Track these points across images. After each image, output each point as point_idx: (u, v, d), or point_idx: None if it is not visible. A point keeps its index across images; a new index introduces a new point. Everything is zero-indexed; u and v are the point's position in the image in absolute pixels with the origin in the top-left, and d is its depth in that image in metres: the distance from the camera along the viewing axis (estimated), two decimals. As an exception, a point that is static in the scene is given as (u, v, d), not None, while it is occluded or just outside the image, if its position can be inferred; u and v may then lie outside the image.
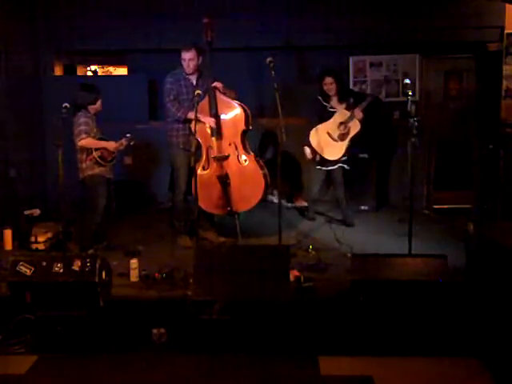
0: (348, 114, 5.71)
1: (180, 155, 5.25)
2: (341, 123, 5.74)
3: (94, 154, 4.96)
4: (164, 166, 6.62)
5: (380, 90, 6.86)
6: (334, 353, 3.61)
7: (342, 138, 5.74)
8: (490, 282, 3.90)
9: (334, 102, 5.85)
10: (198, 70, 5.23)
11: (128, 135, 5.18)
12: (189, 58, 5.13)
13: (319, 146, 5.81)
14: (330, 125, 5.78)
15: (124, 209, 6.02)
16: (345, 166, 5.86)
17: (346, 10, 6.55)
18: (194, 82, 5.24)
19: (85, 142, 4.92)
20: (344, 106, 5.80)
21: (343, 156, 5.81)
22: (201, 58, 5.16)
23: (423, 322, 3.66)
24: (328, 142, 5.79)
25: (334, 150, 5.78)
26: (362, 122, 5.69)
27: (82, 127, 4.92)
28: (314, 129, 5.82)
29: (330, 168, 5.86)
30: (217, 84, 5.11)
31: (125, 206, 6.06)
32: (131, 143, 5.21)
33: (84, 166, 5.02)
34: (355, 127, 5.71)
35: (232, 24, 6.31)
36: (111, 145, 5.04)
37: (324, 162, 5.86)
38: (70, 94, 5.15)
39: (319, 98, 5.87)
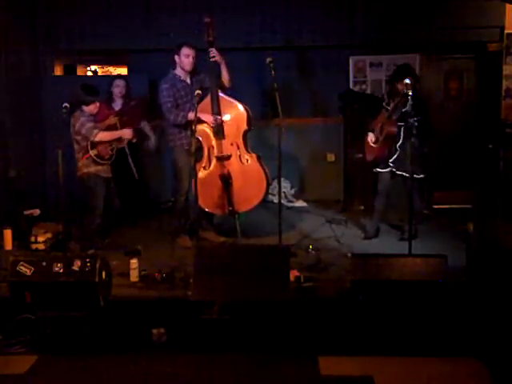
0: (386, 115, 5.21)
1: (183, 156, 5.24)
2: (382, 124, 5.25)
3: (91, 152, 4.95)
4: (164, 166, 6.65)
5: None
6: (334, 353, 3.61)
7: (376, 140, 5.31)
8: (490, 281, 3.90)
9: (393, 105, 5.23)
10: (193, 69, 5.24)
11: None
12: (193, 54, 5.14)
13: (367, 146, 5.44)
14: (374, 124, 5.35)
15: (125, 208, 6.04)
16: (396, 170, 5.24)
17: (345, 9, 6.56)
18: (189, 82, 5.25)
19: (101, 135, 4.93)
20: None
21: (392, 163, 5.27)
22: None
23: (423, 322, 3.66)
24: (368, 141, 5.41)
25: (370, 151, 5.40)
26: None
27: (89, 124, 4.92)
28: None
29: (379, 170, 5.39)
30: (212, 50, 5.06)
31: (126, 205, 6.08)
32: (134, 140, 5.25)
33: (80, 163, 5.03)
34: (386, 130, 5.17)
35: (232, 24, 6.31)
36: (126, 133, 5.07)
37: (377, 164, 5.40)
38: (70, 93, 5.16)
39: (385, 96, 5.37)
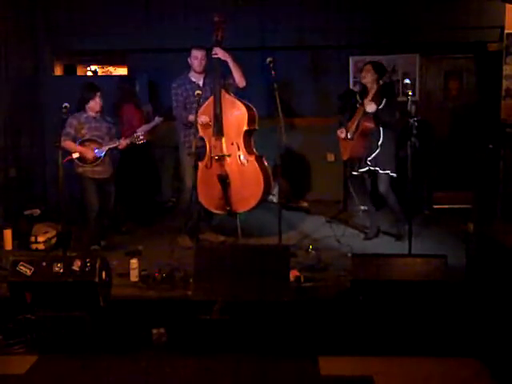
0: (362, 110, 5.10)
1: (186, 155, 5.26)
2: (358, 121, 5.15)
3: (73, 155, 5.10)
4: (166, 166, 6.65)
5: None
6: (334, 353, 3.60)
7: (352, 136, 5.19)
8: (490, 281, 3.90)
9: (367, 100, 5.13)
10: (205, 71, 5.26)
11: (139, 133, 5.27)
12: (201, 56, 5.17)
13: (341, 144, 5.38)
14: (350, 122, 5.26)
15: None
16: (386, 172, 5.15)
17: (345, 10, 6.57)
18: (201, 83, 5.26)
19: (63, 144, 4.99)
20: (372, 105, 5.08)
21: (369, 161, 5.18)
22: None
23: (423, 322, 3.66)
24: (343, 139, 5.32)
25: (345, 149, 5.37)
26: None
27: (65, 129, 5.07)
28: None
29: (361, 171, 5.29)
30: (214, 49, 5.05)
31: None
32: (138, 142, 5.25)
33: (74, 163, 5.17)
34: (363, 123, 5.08)
35: (233, 24, 6.30)
36: (89, 154, 5.11)
37: (354, 164, 5.35)
38: (70, 93, 5.18)
39: (355, 90, 5.38)
